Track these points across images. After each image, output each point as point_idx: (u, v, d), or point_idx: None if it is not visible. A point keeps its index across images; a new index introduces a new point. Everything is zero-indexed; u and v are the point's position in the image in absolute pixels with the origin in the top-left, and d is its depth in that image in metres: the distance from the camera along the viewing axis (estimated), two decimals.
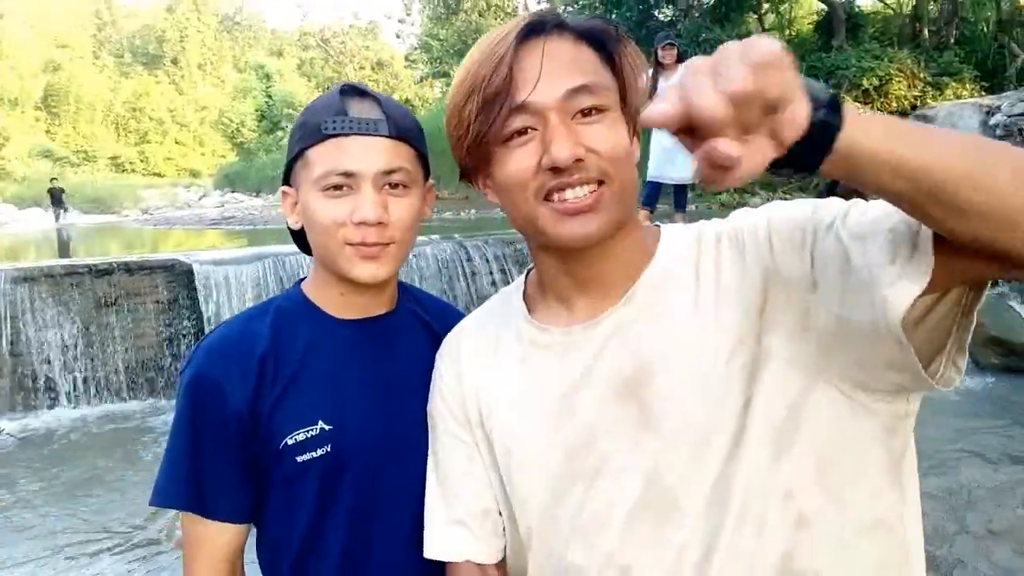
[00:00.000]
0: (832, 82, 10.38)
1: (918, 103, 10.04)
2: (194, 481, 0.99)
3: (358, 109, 0.98)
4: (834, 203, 0.74)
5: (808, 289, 0.74)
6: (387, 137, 0.98)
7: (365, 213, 0.95)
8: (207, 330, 5.23)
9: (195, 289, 5.37)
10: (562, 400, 0.86)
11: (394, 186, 0.99)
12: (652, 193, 6.76)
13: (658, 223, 0.94)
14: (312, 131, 0.98)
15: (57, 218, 20.22)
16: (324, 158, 0.97)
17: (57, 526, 3.59)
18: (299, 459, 0.97)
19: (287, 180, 1.06)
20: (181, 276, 5.45)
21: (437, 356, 1.03)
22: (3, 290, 5.12)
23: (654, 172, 6.63)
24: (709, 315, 0.81)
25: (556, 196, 0.80)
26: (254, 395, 0.97)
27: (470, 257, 5.88)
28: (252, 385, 0.97)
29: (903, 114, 10.00)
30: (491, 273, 5.83)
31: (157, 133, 56.19)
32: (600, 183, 0.80)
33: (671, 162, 6.54)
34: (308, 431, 0.98)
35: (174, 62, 60.18)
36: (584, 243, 0.82)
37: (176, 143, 57.19)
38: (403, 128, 1.00)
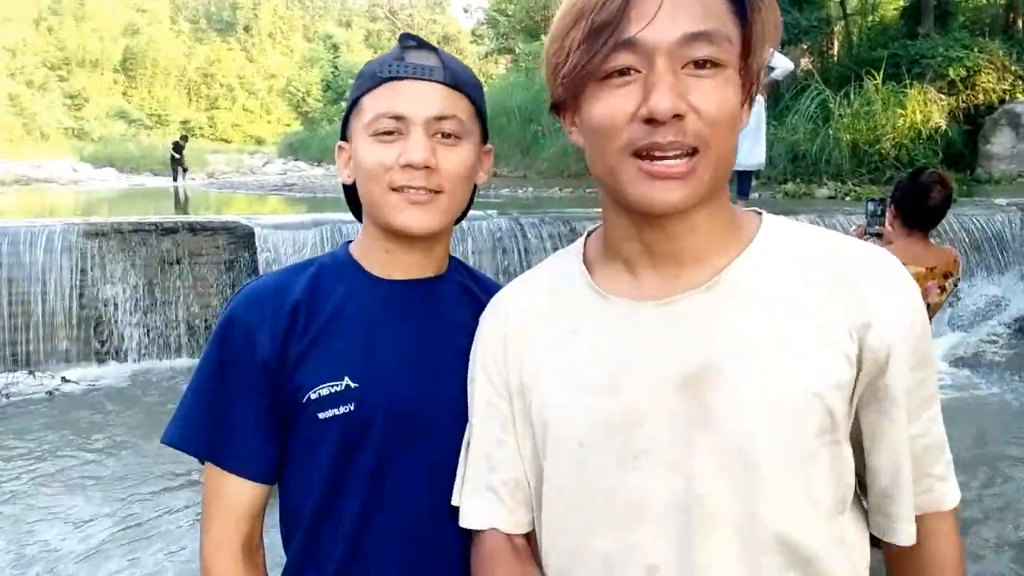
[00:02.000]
0: (916, 71, 9.88)
1: (1007, 97, 9.49)
2: (215, 426, 0.96)
3: (416, 56, 0.96)
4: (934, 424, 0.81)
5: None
6: (442, 83, 0.95)
7: (412, 156, 0.92)
8: None
9: (255, 251, 5.48)
10: (613, 377, 0.80)
11: (446, 135, 0.95)
12: None
13: (758, 209, 0.86)
14: (369, 77, 0.96)
15: (175, 177, 19.70)
16: (376, 102, 0.94)
17: (123, 471, 3.75)
18: (321, 415, 0.94)
19: (343, 135, 1.03)
20: (243, 238, 5.57)
21: (481, 318, 0.98)
22: (74, 243, 5.31)
23: None
24: (804, 338, 0.75)
25: (646, 153, 0.72)
26: (283, 343, 0.95)
27: (525, 234, 5.84)
28: (281, 333, 0.95)
29: (990, 108, 9.47)
30: (545, 251, 5.78)
31: (227, 99, 57.69)
32: (695, 151, 0.72)
33: (738, 147, 6.37)
34: (333, 386, 0.94)
35: (246, 29, 61.47)
36: (667, 210, 0.74)
37: (244, 110, 58.62)
38: (460, 78, 0.97)
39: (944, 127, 9.46)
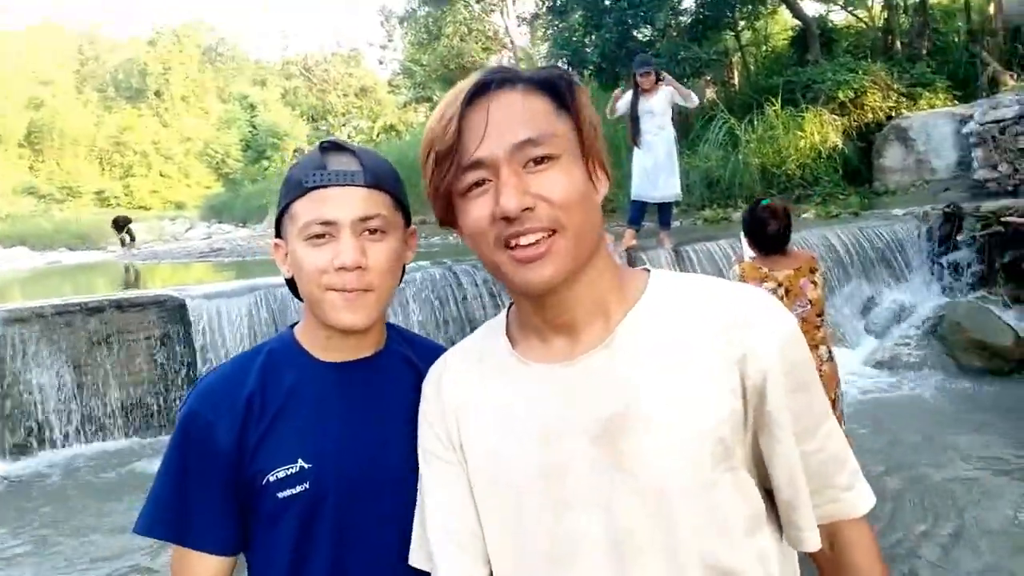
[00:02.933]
0: (809, 95, 10.57)
1: (893, 114, 10.22)
2: (179, 513, 1.04)
3: (336, 162, 1.05)
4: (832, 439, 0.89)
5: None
6: (363, 186, 1.05)
7: (344, 258, 1.02)
8: (200, 364, 5.25)
9: (188, 323, 5.38)
10: (541, 432, 0.89)
11: (372, 232, 1.05)
12: (637, 212, 6.88)
13: (647, 267, 0.97)
14: (295, 186, 1.06)
15: (123, 244, 20.04)
16: (306, 209, 1.04)
17: (53, 564, 3.58)
18: (280, 495, 1.03)
19: (279, 233, 1.13)
20: (174, 311, 5.46)
21: (424, 383, 1.07)
22: None
23: (637, 192, 6.76)
24: (694, 378, 0.85)
25: (513, 243, 0.84)
26: (240, 432, 1.03)
27: (460, 282, 5.94)
28: (239, 423, 1.04)
29: (879, 125, 10.18)
30: (480, 297, 5.88)
31: (142, 166, 55.99)
32: (553, 231, 0.83)
33: (652, 183, 6.68)
34: (288, 468, 1.03)
35: (157, 95, 60.17)
36: (541, 289, 0.86)
37: (161, 175, 56.99)
38: (380, 177, 1.07)
39: (840, 145, 10.12)
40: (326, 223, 1.03)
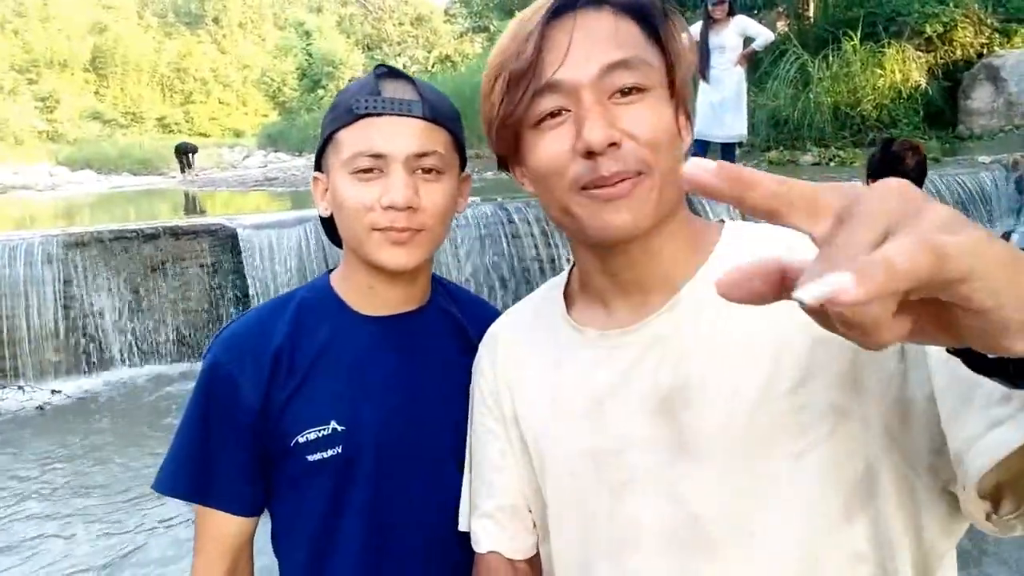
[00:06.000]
0: (893, 29, 9.83)
1: (984, 51, 9.46)
2: (200, 471, 0.98)
3: (392, 89, 0.94)
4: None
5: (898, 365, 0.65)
6: (421, 119, 0.93)
7: (394, 197, 0.91)
8: (251, 294, 5.31)
9: (239, 253, 5.42)
10: (595, 406, 0.80)
11: (427, 171, 0.94)
12: (699, 153, 6.56)
13: (723, 219, 0.85)
14: (344, 112, 0.94)
15: (183, 170, 20.55)
16: (354, 139, 0.93)
17: (114, 481, 3.74)
18: (310, 458, 0.95)
19: (318, 166, 1.01)
20: (225, 240, 5.50)
21: (480, 346, 0.99)
22: (55, 255, 5.24)
23: (700, 131, 6.43)
24: (771, 340, 0.72)
25: (593, 189, 0.73)
26: (266, 391, 0.95)
27: (512, 219, 5.80)
28: (265, 380, 0.95)
29: (968, 63, 9.45)
30: (533, 235, 5.75)
31: (201, 93, 56.87)
32: (639, 174, 0.72)
33: (718, 121, 6.35)
34: (320, 431, 0.95)
35: (216, 21, 60.46)
36: (621, 235, 0.74)
37: (220, 103, 57.84)
38: (439, 111, 0.95)
39: (923, 85, 9.45)
40: (376, 156, 0.92)
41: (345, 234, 0.98)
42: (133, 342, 5.38)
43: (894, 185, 0.36)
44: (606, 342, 0.81)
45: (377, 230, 0.93)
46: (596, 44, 0.73)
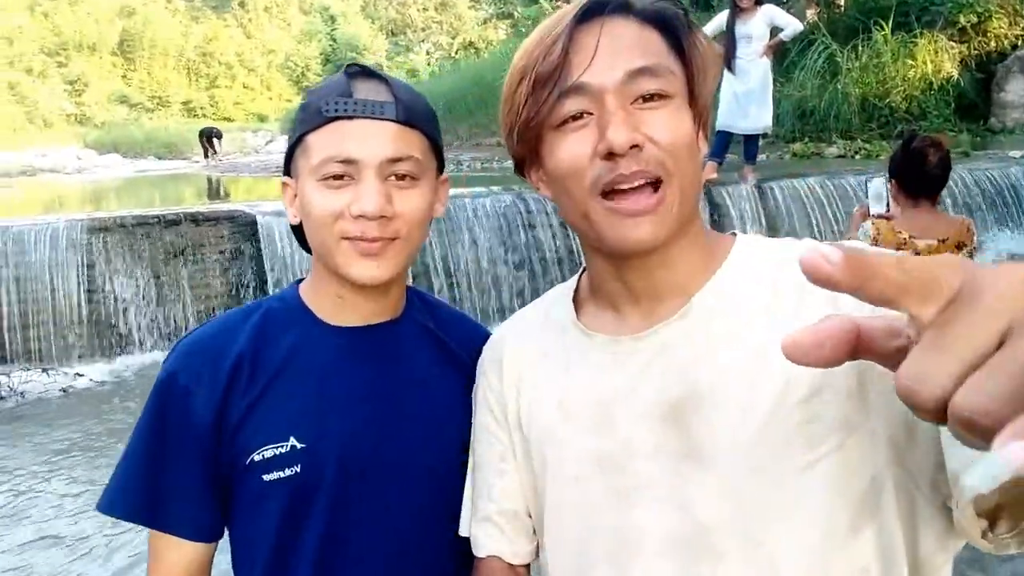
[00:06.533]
0: (926, 19, 9.60)
1: (1020, 43, 9.20)
2: (150, 491, 0.91)
3: (365, 90, 0.88)
4: None
5: None
6: (395, 122, 0.88)
7: (365, 205, 0.85)
8: (270, 280, 5.34)
9: (259, 240, 5.46)
10: (602, 411, 0.80)
11: (400, 177, 0.89)
12: (721, 143, 6.47)
13: (734, 231, 0.85)
14: (313, 114, 0.88)
15: (207, 155, 20.61)
16: (324, 143, 0.87)
17: None
18: (265, 478, 0.89)
19: (288, 170, 0.96)
20: (245, 227, 5.54)
21: (483, 352, 0.97)
22: (79, 240, 5.31)
23: (724, 121, 6.33)
24: (781, 352, 0.69)
25: (614, 191, 0.73)
26: (222, 404, 0.89)
27: (530, 209, 5.78)
28: (220, 392, 0.89)
29: (1003, 55, 9.20)
30: (551, 226, 5.72)
31: (226, 78, 57.17)
32: (659, 181, 0.73)
33: (742, 112, 6.24)
34: (278, 447, 0.89)
35: (241, 5, 60.67)
36: (638, 249, 0.75)
37: (244, 87, 58.12)
38: (413, 113, 0.90)
39: (955, 76, 9.22)
40: (347, 161, 0.87)
41: (313, 243, 0.93)
42: (155, 327, 5.44)
43: (1021, 276, 0.32)
44: (616, 348, 0.81)
45: (347, 239, 0.88)
46: (622, 50, 0.74)
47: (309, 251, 0.97)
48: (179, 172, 17.46)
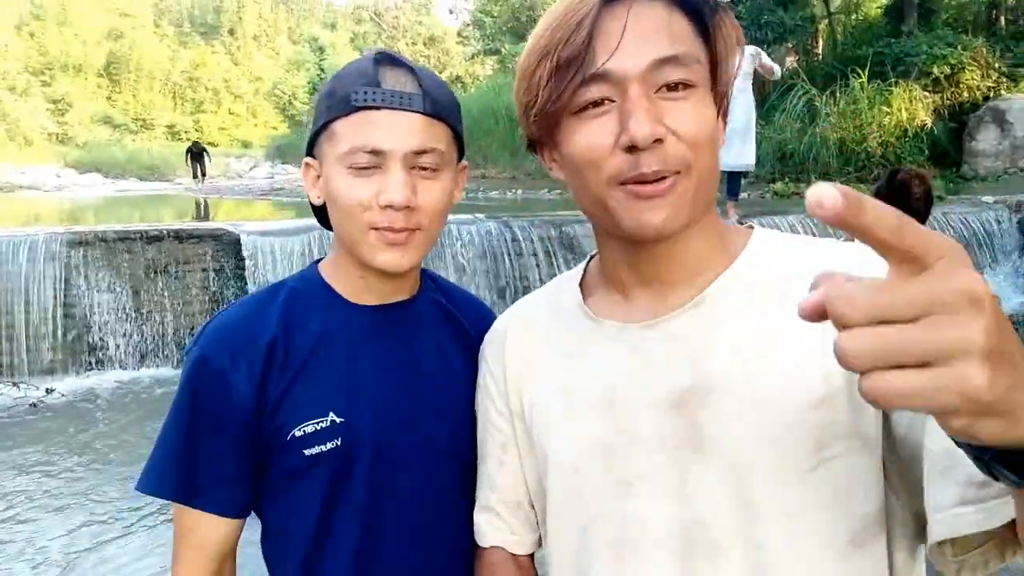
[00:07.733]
0: (900, 69, 9.92)
1: (991, 94, 9.54)
2: (186, 471, 0.93)
3: (392, 79, 0.89)
4: None
5: None
6: (422, 114, 0.89)
7: (392, 196, 0.87)
8: None
9: (242, 258, 5.42)
10: (606, 400, 0.78)
11: (424, 168, 0.91)
12: (734, 181, 6.59)
13: (751, 224, 0.84)
14: (340, 101, 0.90)
15: (195, 176, 19.91)
16: (351, 132, 0.89)
17: (106, 484, 3.69)
18: (307, 452, 0.91)
19: (310, 151, 0.98)
20: (228, 245, 5.51)
21: (484, 340, 0.97)
22: (57, 253, 5.24)
23: None
24: (794, 349, 0.71)
25: (632, 184, 0.72)
26: (260, 384, 0.91)
27: (515, 237, 5.81)
28: (258, 374, 0.91)
29: (975, 105, 9.52)
30: (535, 255, 5.75)
31: (212, 103, 57.27)
32: (677, 173, 0.71)
33: (726, 148, 6.35)
34: (318, 423, 0.91)
35: (231, 32, 61.11)
36: (653, 234, 0.73)
37: (230, 113, 58.21)
38: (440, 105, 0.92)
39: (930, 124, 9.51)
40: (374, 152, 0.88)
41: (338, 229, 0.95)
42: (132, 344, 5.35)
43: (970, 288, 0.36)
44: (625, 335, 0.79)
45: (374, 229, 0.90)
46: (648, 37, 0.71)
47: (330, 228, 0.99)
48: (161, 192, 17.35)
